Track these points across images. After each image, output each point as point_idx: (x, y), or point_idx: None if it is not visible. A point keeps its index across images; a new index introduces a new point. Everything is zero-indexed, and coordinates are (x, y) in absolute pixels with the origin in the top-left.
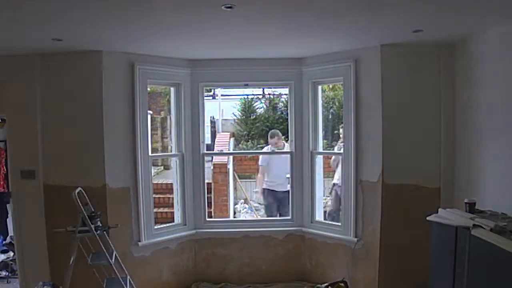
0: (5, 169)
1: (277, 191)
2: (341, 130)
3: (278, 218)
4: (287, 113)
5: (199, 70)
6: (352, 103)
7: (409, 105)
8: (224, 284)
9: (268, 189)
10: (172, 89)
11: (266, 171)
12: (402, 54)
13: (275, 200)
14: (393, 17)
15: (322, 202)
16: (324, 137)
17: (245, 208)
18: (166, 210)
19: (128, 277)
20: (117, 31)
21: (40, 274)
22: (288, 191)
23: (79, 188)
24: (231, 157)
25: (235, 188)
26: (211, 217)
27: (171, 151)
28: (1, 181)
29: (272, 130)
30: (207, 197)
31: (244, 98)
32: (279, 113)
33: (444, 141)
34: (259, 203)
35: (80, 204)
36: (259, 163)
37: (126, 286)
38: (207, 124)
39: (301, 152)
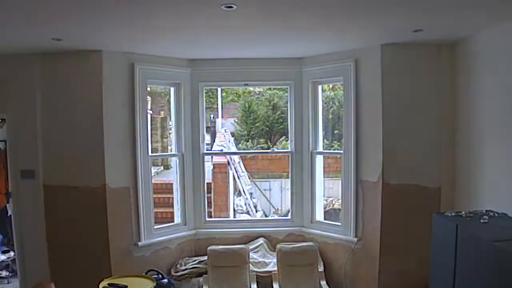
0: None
1: None
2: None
3: (278, 218)
4: (287, 112)
5: (199, 70)
6: (352, 103)
7: (409, 105)
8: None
9: None
10: (172, 89)
11: None
12: (402, 54)
13: None
14: (393, 17)
15: (322, 202)
16: (324, 137)
17: (246, 200)
18: (166, 210)
19: None
20: (117, 31)
21: (40, 274)
22: None
23: None
24: (235, 156)
25: (235, 188)
26: (211, 217)
27: (171, 151)
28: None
29: None
30: (207, 197)
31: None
32: (279, 112)
33: (444, 141)
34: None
35: None
36: None
37: None
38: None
39: (301, 152)
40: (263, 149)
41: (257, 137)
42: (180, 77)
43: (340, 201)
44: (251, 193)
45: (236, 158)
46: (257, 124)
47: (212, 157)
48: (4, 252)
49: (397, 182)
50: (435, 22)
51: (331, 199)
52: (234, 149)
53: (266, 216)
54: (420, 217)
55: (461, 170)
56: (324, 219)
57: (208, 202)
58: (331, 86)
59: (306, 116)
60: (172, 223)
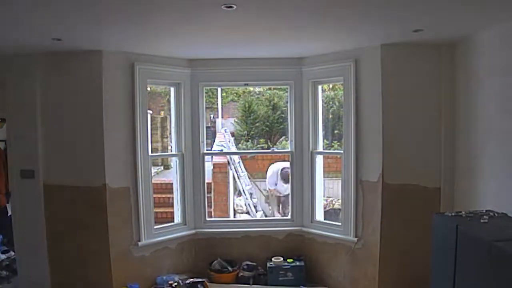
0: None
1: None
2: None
3: (278, 218)
4: (287, 112)
5: (199, 70)
6: (352, 103)
7: (409, 105)
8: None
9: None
10: (172, 89)
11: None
12: (402, 54)
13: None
14: (393, 17)
15: (322, 202)
16: (324, 137)
17: (246, 199)
18: (166, 210)
19: None
20: (117, 31)
21: (40, 274)
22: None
23: None
24: (235, 156)
25: (235, 188)
26: (211, 217)
27: (171, 151)
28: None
29: None
30: (207, 197)
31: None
32: (279, 112)
33: (444, 141)
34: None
35: None
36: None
37: None
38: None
39: (301, 152)
40: (263, 149)
41: (257, 137)
42: (180, 77)
43: (340, 201)
44: (251, 193)
45: (236, 158)
46: (257, 124)
47: (212, 157)
48: (4, 252)
49: (397, 182)
50: (435, 22)
51: (331, 199)
52: (234, 149)
53: (266, 216)
54: (420, 217)
55: (461, 170)
56: (324, 219)
57: (208, 202)
58: (331, 86)
59: (306, 116)
60: (172, 223)
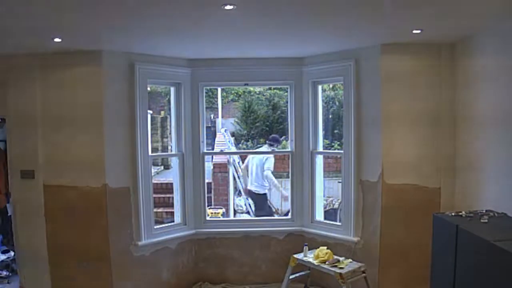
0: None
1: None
2: None
3: (278, 217)
4: (287, 112)
5: (199, 70)
6: (352, 103)
7: (409, 105)
8: (224, 284)
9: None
10: (172, 88)
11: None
12: (402, 54)
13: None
14: (393, 17)
15: (322, 202)
16: (324, 137)
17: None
18: (166, 210)
19: None
20: (117, 31)
21: (40, 274)
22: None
23: None
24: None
25: (235, 188)
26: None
27: (171, 151)
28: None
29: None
30: (207, 197)
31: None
32: (279, 112)
33: (444, 140)
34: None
35: None
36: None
37: None
38: None
39: (301, 152)
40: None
41: (257, 137)
42: (180, 77)
43: (340, 201)
44: None
45: (236, 158)
46: (257, 124)
47: (212, 157)
48: (4, 252)
49: (397, 182)
50: (435, 22)
51: (331, 199)
52: (234, 149)
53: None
54: (420, 217)
55: (461, 170)
56: (324, 219)
57: (208, 203)
58: (331, 86)
59: (306, 116)
60: (172, 223)
